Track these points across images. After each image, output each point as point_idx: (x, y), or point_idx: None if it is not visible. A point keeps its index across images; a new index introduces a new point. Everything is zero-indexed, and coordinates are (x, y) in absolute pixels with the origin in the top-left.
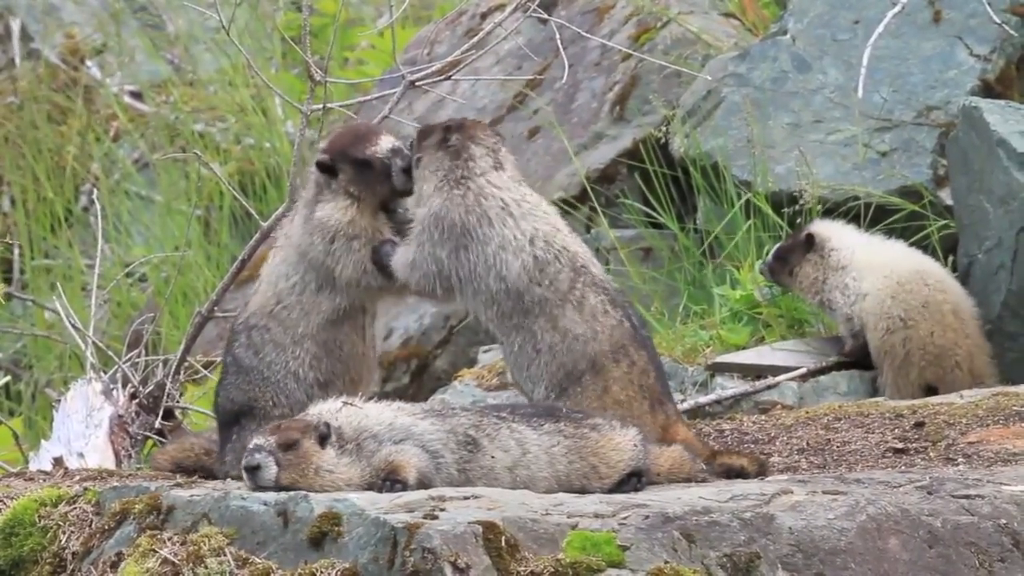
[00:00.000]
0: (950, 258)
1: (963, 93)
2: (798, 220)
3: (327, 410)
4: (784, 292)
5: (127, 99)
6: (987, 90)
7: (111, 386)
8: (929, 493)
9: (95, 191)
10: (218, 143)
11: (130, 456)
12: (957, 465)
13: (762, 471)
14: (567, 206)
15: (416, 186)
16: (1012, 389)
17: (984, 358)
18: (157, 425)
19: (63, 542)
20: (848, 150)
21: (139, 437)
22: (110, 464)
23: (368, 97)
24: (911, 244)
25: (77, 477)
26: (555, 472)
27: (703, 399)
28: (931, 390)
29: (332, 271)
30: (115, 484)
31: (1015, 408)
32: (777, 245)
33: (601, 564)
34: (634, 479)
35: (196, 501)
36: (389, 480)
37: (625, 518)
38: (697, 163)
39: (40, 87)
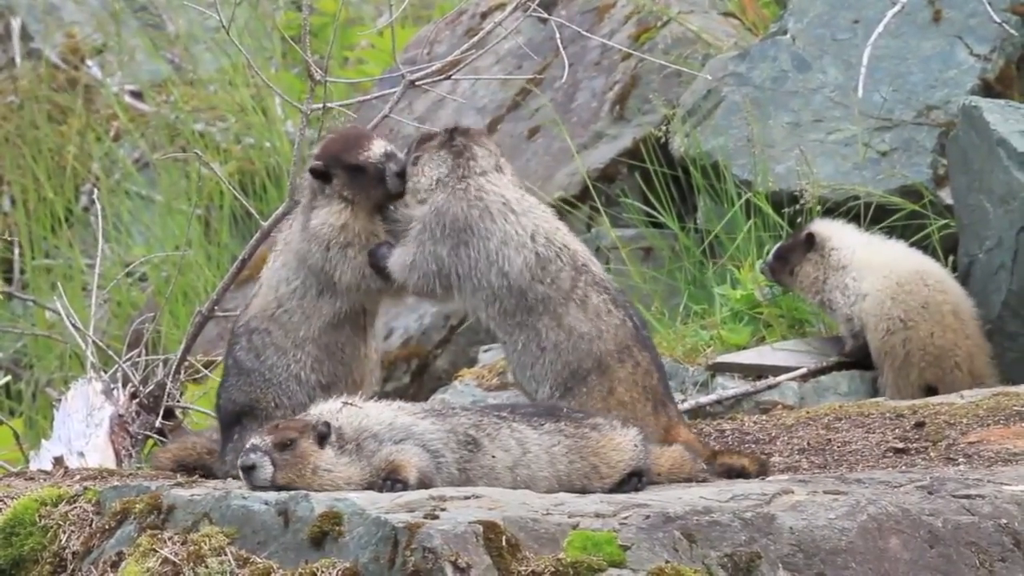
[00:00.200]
0: (950, 258)
1: (963, 92)
2: (798, 220)
3: (327, 410)
4: (784, 292)
5: (127, 99)
6: (987, 89)
7: (111, 385)
8: (930, 493)
9: (95, 191)
10: (218, 143)
11: (131, 455)
12: (958, 465)
13: (763, 471)
14: (567, 205)
15: (412, 183)
16: (1012, 389)
17: (984, 358)
18: (158, 424)
19: (63, 541)
20: (848, 150)
21: (140, 437)
22: (111, 464)
23: (368, 97)
24: (911, 244)
25: (77, 476)
26: (556, 472)
27: (704, 399)
28: (931, 390)
29: (332, 277)
30: (116, 484)
31: (1016, 408)
32: (778, 244)
33: (602, 564)
34: (635, 479)
35: (197, 501)
36: (390, 480)
37: (626, 518)
38: (697, 162)
39: (40, 87)
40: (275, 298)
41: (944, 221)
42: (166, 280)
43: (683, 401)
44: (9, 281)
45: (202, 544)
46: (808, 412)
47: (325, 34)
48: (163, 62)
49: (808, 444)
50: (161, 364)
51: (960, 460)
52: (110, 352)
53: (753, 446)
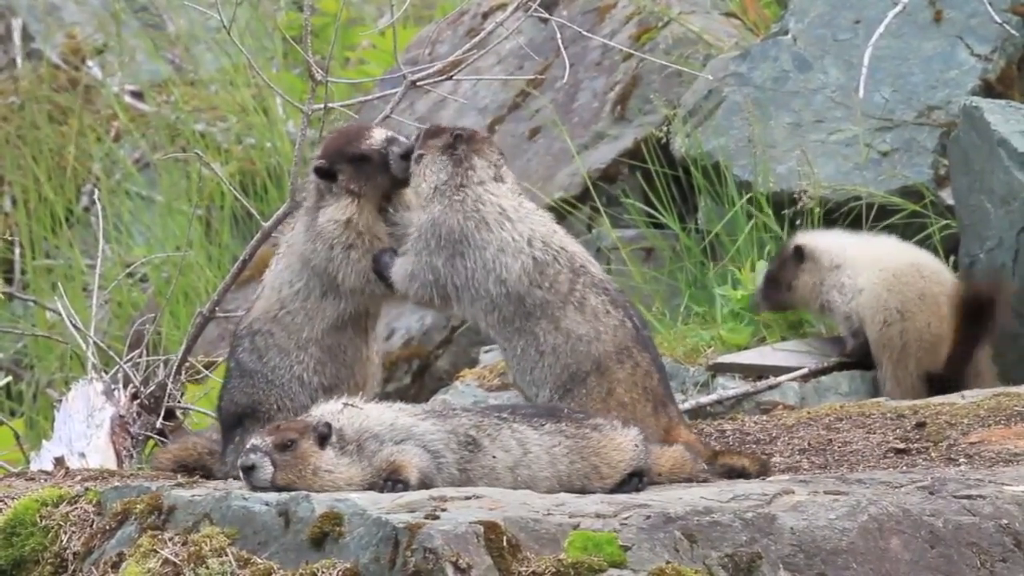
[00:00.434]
0: (951, 258)
1: (964, 93)
2: (798, 221)
3: (328, 411)
4: (783, 311)
5: (128, 99)
6: (988, 90)
7: (112, 386)
8: (931, 493)
9: (96, 191)
10: (219, 143)
11: (131, 456)
12: (959, 465)
13: (764, 471)
14: (568, 206)
15: (414, 182)
16: (1013, 389)
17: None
18: (158, 425)
19: (64, 542)
20: (849, 150)
21: (140, 437)
22: (111, 464)
23: (369, 97)
24: (912, 244)
25: (78, 477)
26: (556, 472)
27: (704, 399)
28: (931, 380)
29: (335, 279)
30: (116, 484)
31: (1017, 408)
32: (765, 270)
33: (603, 564)
34: (635, 479)
35: (197, 501)
36: (391, 480)
37: (627, 518)
38: (698, 163)
39: (41, 87)
40: (278, 299)
41: (945, 221)
42: (167, 281)
43: (684, 401)
44: (10, 281)
45: (203, 545)
46: (809, 412)
47: (326, 34)
48: (164, 62)
49: (809, 444)
50: (162, 365)
51: (961, 460)
52: (111, 353)
53: (754, 446)
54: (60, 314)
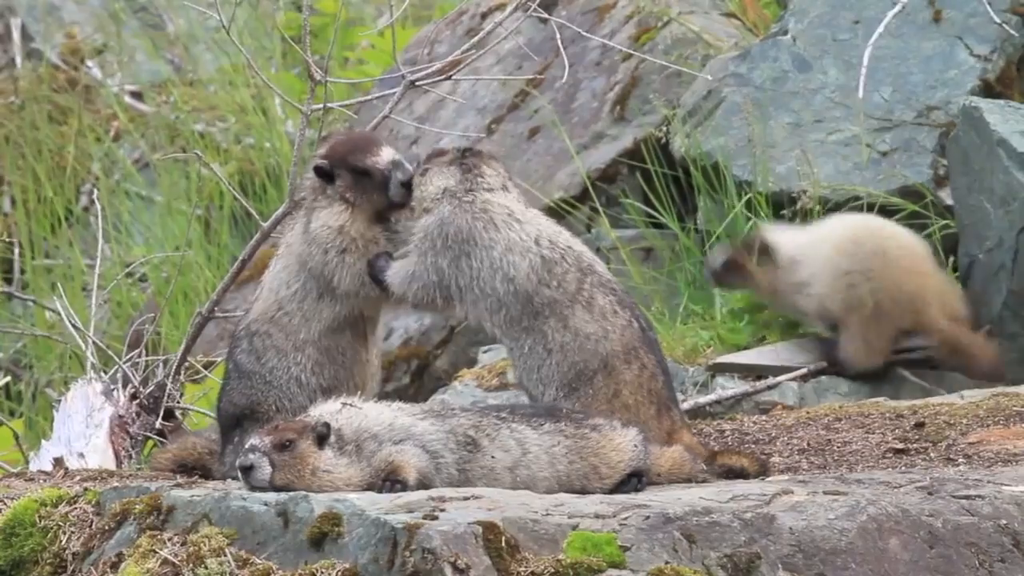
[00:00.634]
0: (951, 258)
1: (963, 93)
2: (797, 221)
3: (327, 411)
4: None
5: (127, 99)
6: (987, 90)
7: (111, 386)
8: (930, 493)
9: (95, 191)
10: (218, 143)
11: (130, 456)
12: (957, 465)
13: (763, 471)
14: (567, 206)
15: (418, 192)
16: (1012, 389)
17: (954, 295)
18: (157, 425)
19: (63, 542)
20: (849, 150)
21: (139, 437)
22: (110, 464)
23: (368, 97)
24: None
25: (77, 477)
26: (555, 472)
27: (703, 399)
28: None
29: (330, 282)
30: (115, 484)
31: (1015, 408)
32: (726, 252)
33: (602, 564)
34: (634, 479)
35: (196, 501)
36: (389, 480)
37: (626, 518)
38: (698, 163)
39: (41, 87)
40: (275, 300)
41: (944, 221)
42: (166, 280)
43: (683, 401)
44: (9, 281)
45: (202, 545)
46: (808, 412)
47: (325, 34)
48: (163, 62)
49: (808, 444)
50: (161, 365)
51: (960, 460)
52: (110, 353)
53: (753, 446)
54: (59, 314)
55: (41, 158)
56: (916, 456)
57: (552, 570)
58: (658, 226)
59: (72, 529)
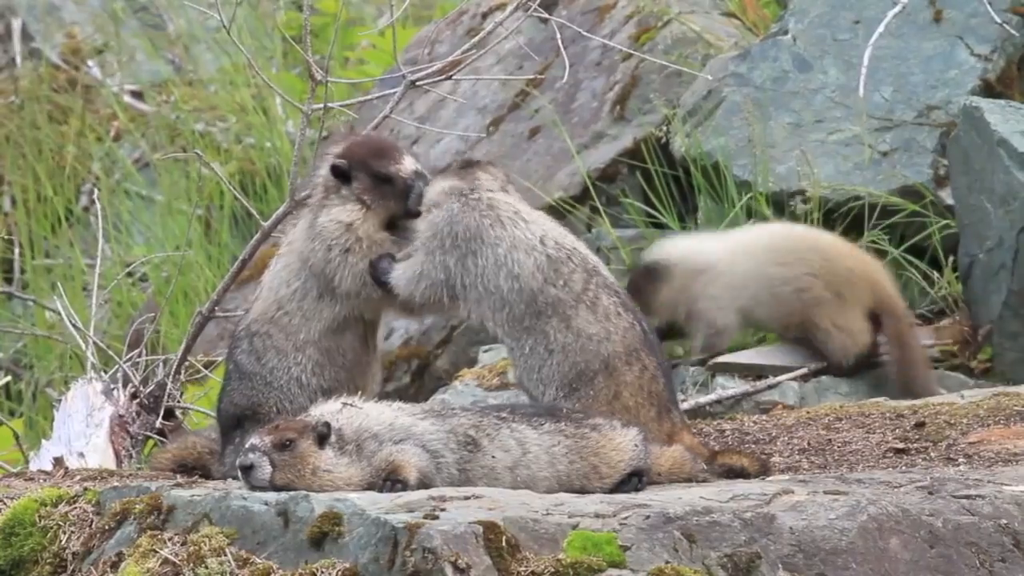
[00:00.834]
0: (951, 258)
1: (964, 93)
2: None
3: (327, 411)
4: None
5: (128, 99)
6: (988, 90)
7: (112, 386)
8: (930, 493)
9: (96, 191)
10: (219, 143)
11: (131, 456)
12: (958, 465)
13: (763, 471)
14: (568, 206)
15: (424, 201)
16: (1013, 389)
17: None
18: (158, 425)
19: (63, 542)
20: (849, 150)
21: (140, 437)
22: (111, 464)
23: (369, 97)
24: (912, 244)
25: (77, 477)
26: (556, 472)
27: (704, 399)
28: (876, 321)
29: (331, 281)
30: (115, 484)
31: (1016, 408)
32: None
33: (602, 564)
34: (635, 479)
35: (197, 501)
36: (390, 480)
37: (626, 518)
38: (698, 163)
39: (41, 87)
40: (275, 300)
41: (945, 221)
42: (166, 280)
43: (683, 401)
44: (9, 281)
45: (202, 545)
46: (808, 412)
47: (326, 34)
48: (163, 62)
49: (808, 444)
50: (161, 364)
51: (960, 460)
52: (110, 352)
53: (753, 446)
54: (59, 314)
55: (41, 158)
56: (916, 456)
57: (552, 570)
58: (658, 226)
59: (72, 529)
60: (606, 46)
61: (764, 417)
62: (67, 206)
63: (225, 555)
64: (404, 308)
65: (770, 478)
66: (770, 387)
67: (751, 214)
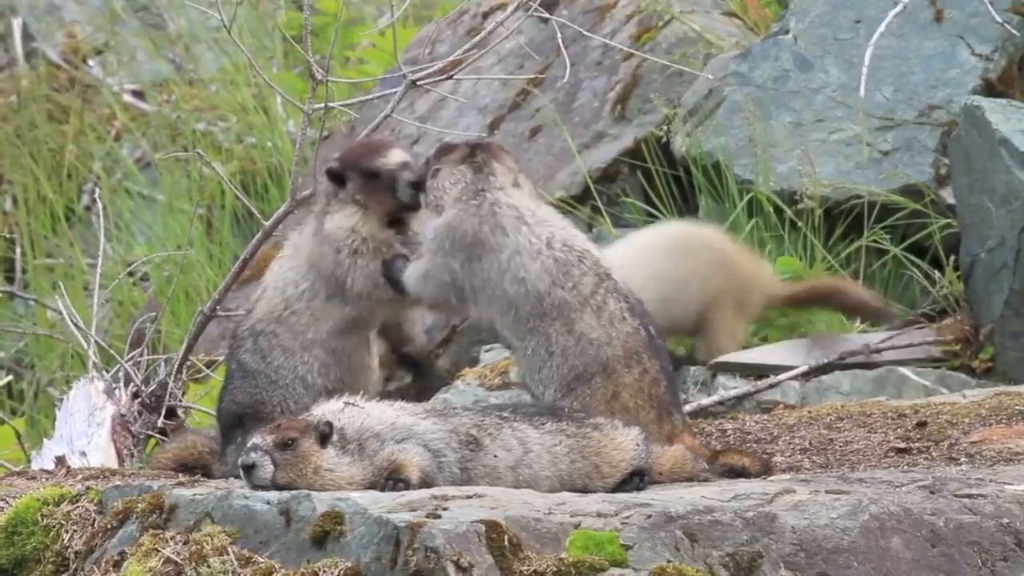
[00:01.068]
0: (952, 257)
1: (965, 92)
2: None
3: (329, 410)
4: None
5: (128, 98)
6: (989, 89)
7: (113, 385)
8: (932, 492)
9: (97, 190)
10: (220, 142)
11: (132, 455)
12: (960, 464)
13: (765, 470)
14: (569, 205)
15: (430, 196)
16: (1014, 389)
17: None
18: (160, 424)
19: (66, 541)
20: (850, 149)
21: (141, 436)
22: (112, 463)
23: (369, 96)
24: (912, 243)
25: (79, 476)
26: (557, 471)
27: (706, 400)
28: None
29: (343, 283)
30: (118, 483)
31: (1018, 408)
32: None
33: (604, 563)
34: (636, 478)
35: (199, 500)
36: (392, 479)
37: (628, 517)
38: (699, 162)
39: (41, 86)
40: (282, 300)
41: (946, 221)
42: (168, 279)
43: (685, 402)
44: (11, 280)
45: (204, 544)
46: (810, 411)
47: (326, 34)
48: (164, 62)
49: (810, 443)
50: (163, 363)
51: (962, 460)
52: (112, 351)
53: (755, 446)
54: (61, 313)
55: (41, 157)
56: (918, 455)
57: (554, 569)
58: None
59: (74, 528)
60: (607, 46)
61: (765, 416)
62: (68, 205)
63: (227, 554)
64: (413, 308)
65: (772, 477)
66: (771, 386)
67: (752, 213)
